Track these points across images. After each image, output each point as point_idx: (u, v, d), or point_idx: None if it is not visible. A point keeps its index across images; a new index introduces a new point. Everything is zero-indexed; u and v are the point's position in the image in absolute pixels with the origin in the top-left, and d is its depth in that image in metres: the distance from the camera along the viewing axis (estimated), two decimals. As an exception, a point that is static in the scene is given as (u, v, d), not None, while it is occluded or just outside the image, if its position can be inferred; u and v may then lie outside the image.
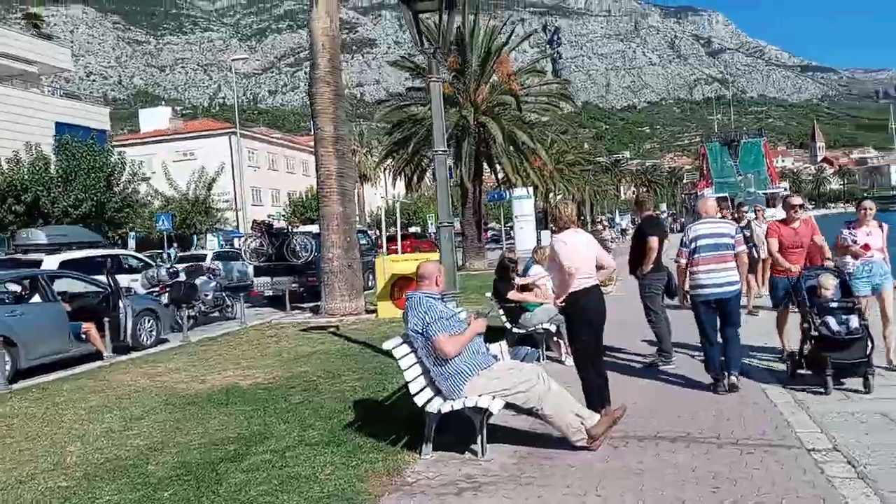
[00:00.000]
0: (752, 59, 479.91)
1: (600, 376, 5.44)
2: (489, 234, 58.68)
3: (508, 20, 24.54)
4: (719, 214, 9.47)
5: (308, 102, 13.83)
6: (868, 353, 5.85)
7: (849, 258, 6.70)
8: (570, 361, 7.64)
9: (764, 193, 51.11)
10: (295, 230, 17.32)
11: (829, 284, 6.22)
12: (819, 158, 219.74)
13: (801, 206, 7.18)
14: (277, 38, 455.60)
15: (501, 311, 8.09)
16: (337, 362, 8.40)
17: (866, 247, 6.62)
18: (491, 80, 24.11)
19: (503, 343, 5.52)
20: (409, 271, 12.35)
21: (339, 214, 13.09)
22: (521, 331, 7.90)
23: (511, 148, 23.57)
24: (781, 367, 6.84)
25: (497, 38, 23.64)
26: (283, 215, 50.84)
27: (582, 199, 52.08)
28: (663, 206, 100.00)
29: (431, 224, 66.28)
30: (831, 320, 5.99)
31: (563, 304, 5.34)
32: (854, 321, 5.93)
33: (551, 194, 51.43)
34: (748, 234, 10.26)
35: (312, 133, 13.56)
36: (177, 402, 6.91)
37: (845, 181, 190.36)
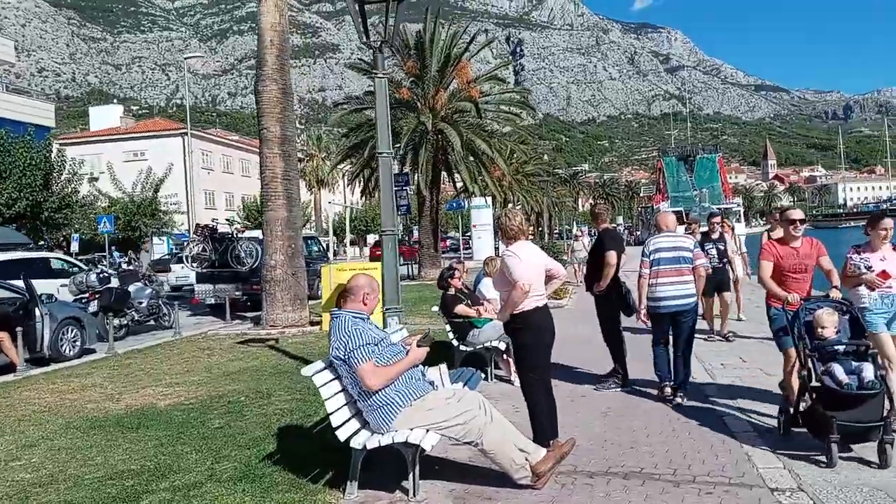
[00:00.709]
0: (709, 77, 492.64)
1: (551, 405, 4.93)
2: (448, 242, 58.33)
3: (468, 28, 23.98)
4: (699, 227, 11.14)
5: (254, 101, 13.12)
6: (887, 413, 4.51)
7: (862, 289, 5.32)
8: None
9: (718, 208, 51.75)
10: (240, 235, 16.53)
11: (828, 322, 4.90)
12: (771, 175, 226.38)
13: (803, 220, 5.51)
14: (238, 40, 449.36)
15: (448, 327, 7.55)
16: (269, 380, 7.73)
17: (884, 274, 5.20)
18: (451, 87, 23.68)
19: (442, 367, 4.95)
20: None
21: (283, 219, 12.41)
22: (468, 348, 7.37)
23: (470, 156, 23.14)
24: (771, 420, 5.53)
25: (457, 45, 23.24)
26: (230, 220, 49.69)
27: (540, 209, 52.04)
28: (620, 220, 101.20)
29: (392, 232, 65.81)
30: (838, 369, 4.66)
31: (516, 325, 4.83)
32: (868, 371, 4.60)
33: (510, 204, 51.36)
34: (722, 247, 9.86)
35: (258, 133, 12.87)
36: (81, 425, 6.17)
37: (795, 198, 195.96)
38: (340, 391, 4.20)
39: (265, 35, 12.79)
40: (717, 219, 10.18)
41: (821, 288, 5.70)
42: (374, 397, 4.07)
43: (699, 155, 64.08)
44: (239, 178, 62.84)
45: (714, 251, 9.65)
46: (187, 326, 13.92)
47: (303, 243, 13.06)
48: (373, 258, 36.35)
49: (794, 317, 5.01)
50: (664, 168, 63.29)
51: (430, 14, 22.96)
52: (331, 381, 4.16)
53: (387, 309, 6.52)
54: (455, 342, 7.44)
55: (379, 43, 6.68)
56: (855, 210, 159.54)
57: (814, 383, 4.72)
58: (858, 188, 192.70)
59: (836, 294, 5.13)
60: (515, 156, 44.26)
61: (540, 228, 69.70)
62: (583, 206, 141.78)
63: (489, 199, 31.18)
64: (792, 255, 5.42)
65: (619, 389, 6.87)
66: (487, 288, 8.13)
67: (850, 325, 4.98)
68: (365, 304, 4.31)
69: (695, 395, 6.44)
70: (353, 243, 66.54)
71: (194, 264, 16.91)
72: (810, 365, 4.77)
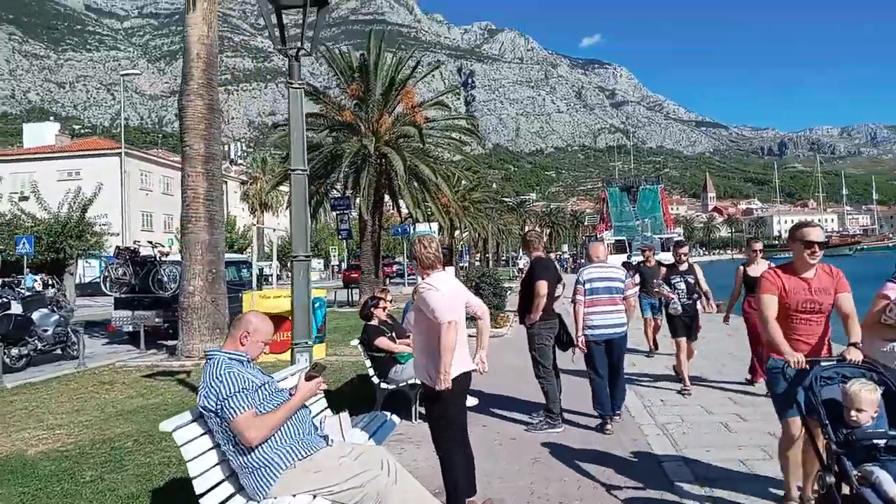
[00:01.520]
0: (652, 112, 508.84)
1: (467, 458, 4.31)
2: (395, 268, 57.52)
3: (421, 58, 23.58)
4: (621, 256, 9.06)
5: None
6: None
7: None
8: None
9: (659, 238, 52.72)
10: (163, 258, 15.49)
11: (868, 401, 3.35)
12: (710, 207, 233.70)
13: (823, 244, 4.00)
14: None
15: (369, 362, 6.88)
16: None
17: None
18: (396, 111, 23.21)
19: (343, 415, 4.27)
20: (280, 309, 10.98)
21: (204, 242, 11.56)
22: (390, 386, 6.71)
23: (414, 182, 22.64)
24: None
25: (403, 69, 22.85)
26: (153, 243, 47.90)
27: (486, 236, 51.90)
28: (565, 248, 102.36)
29: (334, 256, 64.65)
30: (885, 478, 3.04)
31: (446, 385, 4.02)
32: None
33: (457, 231, 51.04)
34: (692, 280, 8.19)
35: (181, 151, 12.04)
36: (-77, 479, 5.24)
37: (733, 229, 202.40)
38: (212, 448, 3.49)
39: (192, 48, 12.05)
40: (685, 249, 8.55)
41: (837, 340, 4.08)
42: (250, 456, 3.37)
43: (642, 186, 65.46)
44: (179, 199, 60.76)
45: (683, 285, 8.12)
46: (100, 356, 12.83)
47: (224, 269, 12.18)
48: (347, 282, 35.37)
49: (802, 378, 3.75)
50: (608, 198, 64.37)
51: (374, 36, 22.53)
52: (199, 436, 3.44)
53: (295, 344, 5.82)
54: (375, 379, 6.77)
55: (295, 51, 6.07)
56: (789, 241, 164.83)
57: (845, 491, 3.19)
58: (792, 220, 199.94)
59: (856, 355, 3.64)
60: (463, 183, 44.21)
61: (487, 255, 69.69)
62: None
63: (435, 226, 30.71)
64: (803, 290, 4.01)
65: (553, 430, 6.32)
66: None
67: (885, 406, 3.45)
68: (242, 345, 3.63)
69: (641, 445, 5.94)
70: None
71: (113, 289, 15.77)
72: (838, 465, 3.23)
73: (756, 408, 6.95)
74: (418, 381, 6.52)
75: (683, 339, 8.06)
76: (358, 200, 21.04)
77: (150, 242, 16.54)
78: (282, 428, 3.47)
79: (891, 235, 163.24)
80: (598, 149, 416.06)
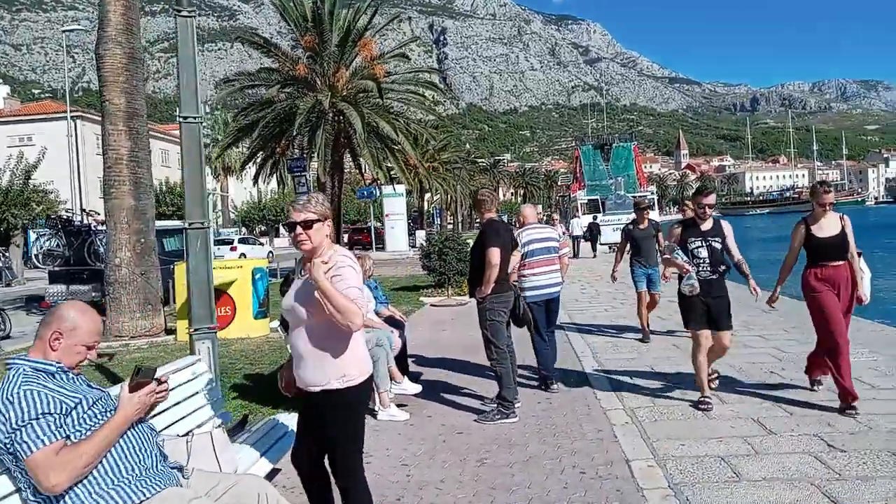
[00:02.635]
0: (626, 69, 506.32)
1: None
2: (365, 233, 56.31)
3: (371, 2, 22.02)
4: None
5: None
6: None
7: None
8: (391, 413, 5.65)
9: (633, 196, 51.98)
10: (99, 227, 14.28)
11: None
12: (683, 165, 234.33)
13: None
14: (150, 22, 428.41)
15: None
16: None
17: None
18: (354, 65, 21.85)
19: (215, 432, 3.28)
20: (219, 280, 9.93)
21: (129, 208, 10.39)
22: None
23: (375, 140, 21.42)
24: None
25: (361, 18, 21.39)
26: (87, 210, 46.09)
27: (457, 198, 50.82)
28: (540, 208, 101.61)
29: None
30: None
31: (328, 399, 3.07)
32: None
33: (427, 194, 49.90)
34: (718, 245, 5.66)
35: (99, 106, 10.77)
36: None
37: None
38: (13, 492, 2.51)
39: (109, -12, 10.68)
40: (711, 198, 5.73)
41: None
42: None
43: (615, 144, 64.34)
44: (141, 164, 58.59)
45: (705, 252, 5.61)
46: (30, 335, 11.69)
47: (154, 238, 11.02)
48: (353, 245, 33.80)
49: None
50: (581, 157, 63.20)
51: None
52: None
53: (195, 330, 4.83)
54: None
55: (184, -30, 4.93)
56: (761, 198, 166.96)
57: None
58: (764, 177, 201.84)
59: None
60: (431, 143, 42.89)
61: (459, 218, 68.65)
62: (504, 195, 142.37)
63: (401, 187, 29.54)
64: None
65: (507, 420, 5.43)
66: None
67: None
68: (52, 350, 2.62)
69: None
70: (263, 234, 63.51)
71: (46, 262, 14.56)
72: None
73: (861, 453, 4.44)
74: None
75: (706, 332, 5.54)
76: (315, 161, 19.79)
77: (84, 210, 15.27)
78: (104, 463, 2.49)
79: (860, 190, 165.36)
80: (572, 107, 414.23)
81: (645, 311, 8.76)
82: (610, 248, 27.56)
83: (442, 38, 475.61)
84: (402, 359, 6.89)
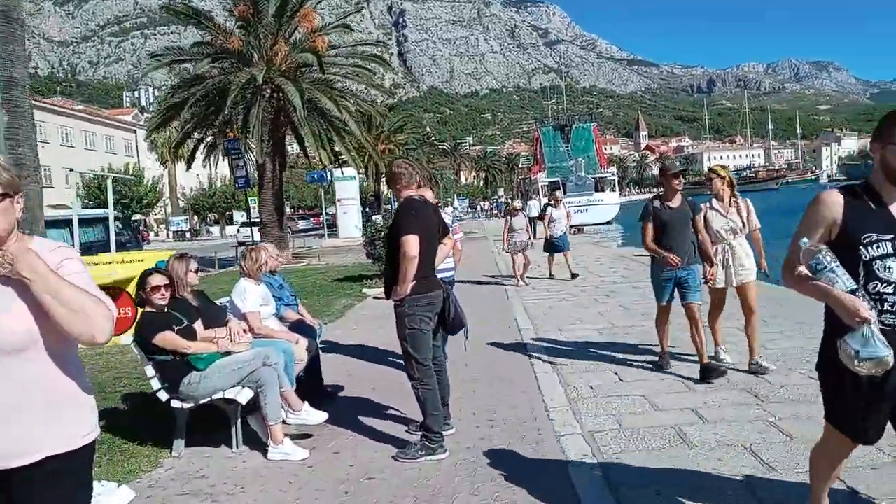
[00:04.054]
0: (585, 52, 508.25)
1: None
2: (320, 219, 54.39)
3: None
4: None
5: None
6: None
7: None
8: (285, 451, 4.36)
9: (593, 177, 51.32)
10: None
11: None
12: (642, 146, 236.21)
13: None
14: (100, 5, 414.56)
15: (150, 370, 4.50)
16: None
17: None
18: (294, 38, 20.21)
19: None
20: (110, 279, 8.49)
21: (6, 195, 8.79)
22: (187, 404, 4.41)
23: (318, 119, 19.88)
24: None
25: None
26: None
27: (418, 182, 49.24)
28: (501, 191, 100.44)
29: (254, 209, 60.94)
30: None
31: None
32: None
33: (383, 176, 48.31)
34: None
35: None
36: None
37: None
38: None
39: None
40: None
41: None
42: None
43: (575, 125, 63.66)
44: (82, 151, 55.95)
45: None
46: None
47: (46, 230, 9.44)
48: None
49: None
50: (541, 138, 62.46)
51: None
52: None
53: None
54: (163, 395, 4.43)
55: None
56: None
57: None
58: (721, 157, 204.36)
59: None
60: (386, 124, 41.28)
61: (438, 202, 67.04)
62: (465, 178, 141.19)
63: (350, 170, 28.02)
64: None
65: (433, 457, 4.19)
66: (245, 296, 5.19)
67: None
68: None
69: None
70: (215, 222, 61.20)
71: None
72: None
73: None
74: (229, 395, 4.29)
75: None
76: (248, 141, 18.18)
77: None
78: None
79: (814, 168, 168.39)
80: (532, 90, 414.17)
81: (666, 328, 6.02)
82: (572, 229, 26.62)
83: (401, 20, 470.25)
84: (313, 373, 5.62)
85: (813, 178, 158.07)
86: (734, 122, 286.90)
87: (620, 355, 6.57)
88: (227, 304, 5.35)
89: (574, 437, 4.45)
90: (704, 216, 5.69)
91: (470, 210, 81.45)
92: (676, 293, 5.71)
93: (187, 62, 18.61)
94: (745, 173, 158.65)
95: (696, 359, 5.56)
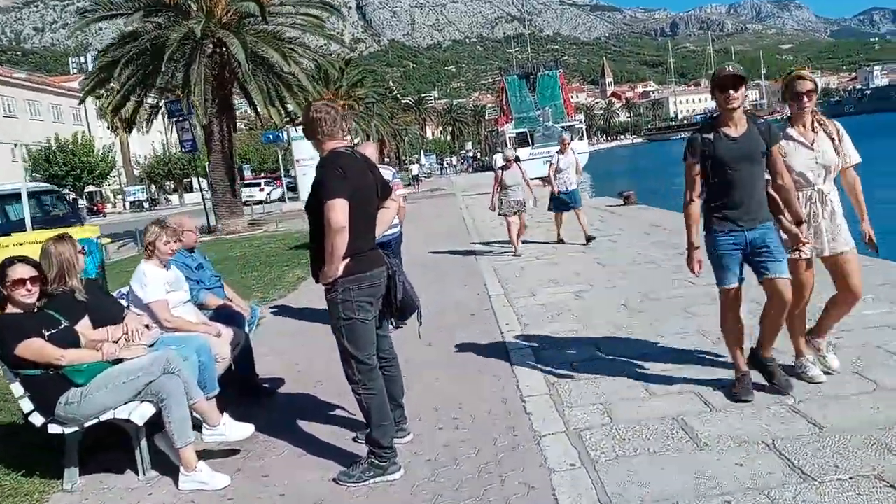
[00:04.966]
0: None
1: None
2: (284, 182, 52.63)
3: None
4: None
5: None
6: None
7: None
8: (200, 479, 3.47)
9: (562, 126, 50.33)
10: None
11: None
12: (608, 93, 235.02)
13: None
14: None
15: (17, 388, 3.53)
16: None
17: None
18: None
19: None
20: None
21: None
22: (69, 429, 3.48)
23: (267, 74, 18.51)
24: None
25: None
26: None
27: (381, 138, 47.84)
28: (469, 145, 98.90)
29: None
30: None
31: None
32: None
33: (346, 135, 46.74)
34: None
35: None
36: None
37: (631, 114, 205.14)
38: None
39: None
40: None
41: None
42: None
43: (541, 73, 62.22)
44: (27, 122, 53.24)
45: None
46: None
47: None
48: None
49: None
50: (507, 88, 61.00)
51: None
52: None
53: None
54: (36, 419, 3.48)
55: None
56: (685, 122, 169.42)
57: None
58: (687, 101, 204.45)
59: None
60: (345, 78, 39.62)
61: (387, 160, 65.67)
62: (431, 133, 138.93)
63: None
64: None
65: (383, 478, 3.35)
66: (146, 282, 4.22)
67: None
68: None
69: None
70: (174, 191, 59.10)
71: None
72: None
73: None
74: (127, 415, 3.37)
75: None
76: (190, 101, 16.77)
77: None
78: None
79: (779, 109, 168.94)
80: (496, 39, 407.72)
81: (739, 328, 3.94)
82: (543, 181, 25.66)
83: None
84: (243, 369, 4.71)
85: (779, 117, 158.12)
86: (699, 64, 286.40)
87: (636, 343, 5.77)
88: (126, 296, 4.39)
89: (557, 437, 3.63)
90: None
91: (437, 166, 79.98)
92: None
93: (118, 17, 17.00)
94: (711, 116, 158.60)
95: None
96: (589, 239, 10.27)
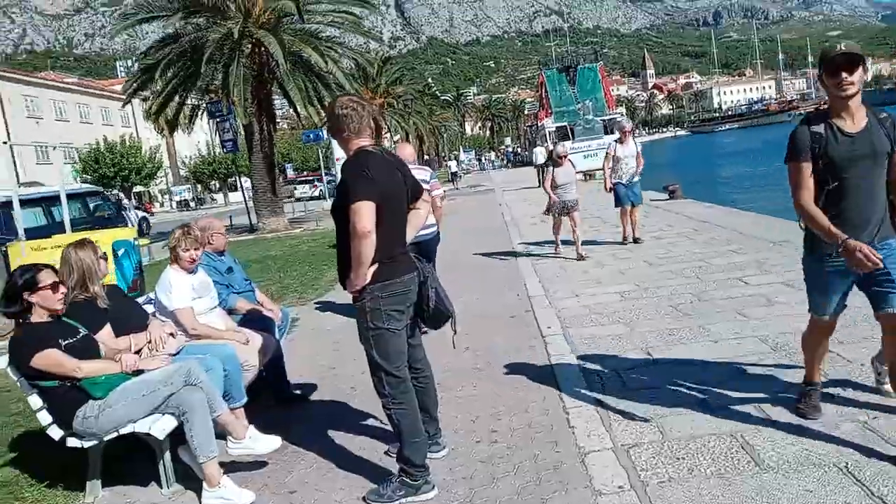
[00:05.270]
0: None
1: None
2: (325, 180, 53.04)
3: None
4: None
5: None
6: None
7: None
8: (224, 495, 3.31)
9: (602, 120, 49.49)
10: None
11: None
12: (650, 85, 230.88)
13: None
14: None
15: (37, 402, 3.39)
16: None
17: None
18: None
19: None
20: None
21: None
22: (88, 443, 3.35)
23: (305, 73, 18.50)
24: None
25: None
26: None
27: (420, 134, 47.72)
28: (508, 141, 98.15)
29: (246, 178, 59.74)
30: None
31: None
32: None
33: (387, 132, 46.76)
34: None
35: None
36: None
37: (674, 106, 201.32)
38: None
39: None
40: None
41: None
42: None
43: (580, 66, 61.23)
44: (77, 125, 54.83)
45: None
46: None
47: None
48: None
49: None
50: (546, 82, 60.12)
51: None
52: None
53: None
54: (54, 433, 3.36)
55: None
56: (730, 113, 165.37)
57: None
58: (731, 91, 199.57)
59: None
60: (384, 75, 39.61)
61: (425, 156, 65.61)
62: (471, 129, 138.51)
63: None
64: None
65: (417, 498, 3.13)
66: (171, 289, 4.08)
67: None
68: None
69: None
70: (219, 190, 60.06)
71: None
72: None
73: None
74: (144, 429, 3.22)
75: None
76: (231, 101, 16.85)
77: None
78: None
79: (827, 99, 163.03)
80: (535, 34, 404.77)
81: (821, 351, 3.53)
82: (585, 176, 25.07)
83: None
84: (275, 376, 4.56)
85: (826, 107, 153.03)
86: (743, 54, 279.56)
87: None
88: (154, 302, 4.26)
89: (603, 455, 3.36)
90: None
91: (476, 162, 79.62)
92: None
93: (158, 20, 17.17)
94: (756, 107, 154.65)
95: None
96: (635, 240, 9.65)
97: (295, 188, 48.42)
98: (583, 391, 4.23)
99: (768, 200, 19.84)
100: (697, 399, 3.88)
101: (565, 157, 9.37)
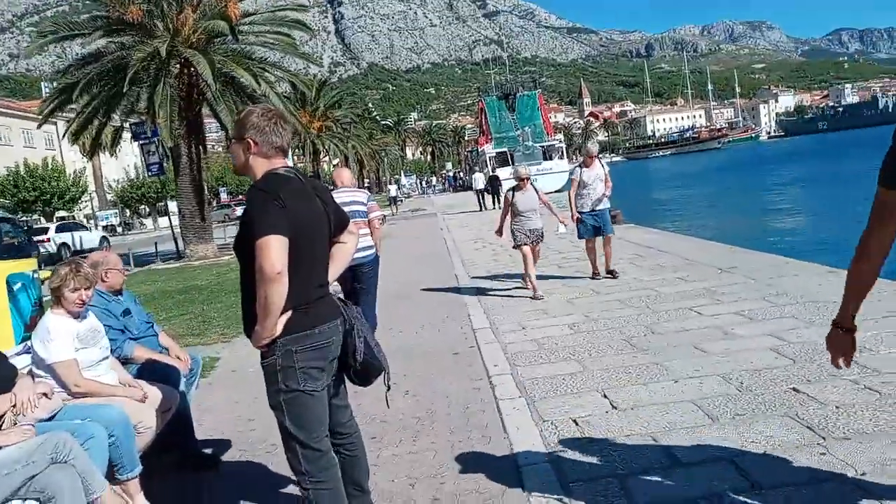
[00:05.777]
0: (525, 21, 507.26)
1: None
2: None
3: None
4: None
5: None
6: None
7: None
8: None
9: (541, 146, 50.09)
10: None
11: None
12: (586, 113, 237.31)
13: None
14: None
15: None
16: None
17: None
18: (204, 4, 17.91)
19: None
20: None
21: None
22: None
23: (236, 95, 17.77)
24: None
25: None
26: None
27: (359, 158, 47.12)
28: (449, 165, 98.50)
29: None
30: None
31: None
32: None
33: (325, 156, 46.01)
34: None
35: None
36: None
37: (609, 133, 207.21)
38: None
39: None
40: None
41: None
42: None
43: (519, 93, 62.15)
44: (8, 148, 52.09)
45: None
46: None
47: None
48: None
49: None
50: (486, 108, 60.81)
51: None
52: None
53: None
54: None
55: None
56: (662, 140, 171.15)
57: None
58: (664, 119, 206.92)
59: None
60: (322, 99, 38.98)
61: (365, 180, 65.01)
62: (412, 154, 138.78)
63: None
64: None
65: None
66: (50, 338, 3.41)
67: None
68: None
69: None
70: (148, 215, 57.87)
71: None
72: None
73: None
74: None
75: None
76: (156, 123, 15.94)
77: None
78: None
79: (754, 126, 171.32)
80: (474, 62, 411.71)
81: None
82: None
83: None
84: (180, 434, 3.90)
85: (754, 135, 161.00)
86: (674, 84, 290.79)
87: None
88: (30, 352, 3.56)
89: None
90: None
91: (417, 186, 79.44)
92: None
93: (78, 37, 16.19)
94: (687, 134, 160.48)
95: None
96: (610, 273, 8.53)
97: (227, 214, 46.96)
98: (536, 445, 3.73)
99: (705, 227, 20.13)
100: (666, 453, 3.43)
101: (527, 179, 8.12)
